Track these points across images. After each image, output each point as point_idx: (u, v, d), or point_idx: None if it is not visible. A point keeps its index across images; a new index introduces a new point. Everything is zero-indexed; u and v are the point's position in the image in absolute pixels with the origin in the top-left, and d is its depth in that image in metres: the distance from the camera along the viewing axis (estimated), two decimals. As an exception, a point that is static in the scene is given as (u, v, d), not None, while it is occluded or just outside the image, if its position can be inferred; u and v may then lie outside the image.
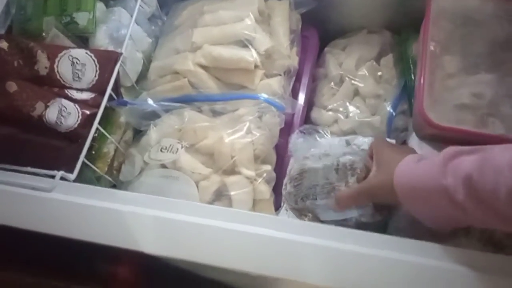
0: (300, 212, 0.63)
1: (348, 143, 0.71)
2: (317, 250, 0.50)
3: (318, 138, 0.70)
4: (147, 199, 0.55)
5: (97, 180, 0.70)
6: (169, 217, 0.53)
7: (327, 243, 0.50)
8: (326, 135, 0.67)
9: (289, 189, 0.63)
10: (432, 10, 0.68)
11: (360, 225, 0.59)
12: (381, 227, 0.61)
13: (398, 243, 0.50)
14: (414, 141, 0.69)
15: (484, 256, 0.48)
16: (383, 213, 0.60)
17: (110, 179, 0.72)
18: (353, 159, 0.61)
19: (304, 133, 0.71)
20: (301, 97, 0.79)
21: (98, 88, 0.68)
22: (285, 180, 0.66)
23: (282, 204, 0.69)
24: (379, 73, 0.77)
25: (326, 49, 0.85)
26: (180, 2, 0.84)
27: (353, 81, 0.77)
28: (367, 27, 0.84)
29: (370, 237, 0.51)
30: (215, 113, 0.73)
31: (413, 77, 0.75)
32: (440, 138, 0.65)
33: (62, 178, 0.59)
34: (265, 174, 0.67)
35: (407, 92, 0.75)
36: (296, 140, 0.69)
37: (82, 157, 0.62)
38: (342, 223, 0.60)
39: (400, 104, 0.74)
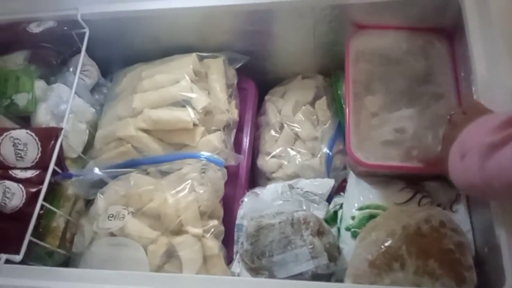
0: (257, 272, 0.64)
1: (291, 187, 0.74)
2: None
3: (259, 192, 0.73)
4: (91, 274, 0.56)
5: (49, 256, 0.71)
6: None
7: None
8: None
9: (246, 247, 0.65)
10: (350, 53, 0.73)
11: (316, 277, 0.62)
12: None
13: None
14: (352, 178, 0.72)
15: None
16: (336, 263, 0.63)
17: (64, 252, 0.72)
18: (306, 213, 0.65)
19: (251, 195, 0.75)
20: (245, 146, 0.81)
21: (42, 165, 0.69)
22: (242, 239, 0.68)
23: (234, 257, 0.70)
24: (314, 116, 0.81)
25: (266, 97, 0.89)
26: (121, 69, 0.87)
27: (291, 127, 0.81)
28: (301, 73, 0.89)
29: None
30: (162, 174, 0.75)
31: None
32: (373, 174, 0.69)
33: (8, 261, 0.60)
34: (212, 229, 0.68)
35: (342, 132, 0.79)
36: (245, 204, 0.72)
37: (28, 237, 0.63)
38: (299, 277, 0.62)
39: (336, 144, 0.78)
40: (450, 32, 0.72)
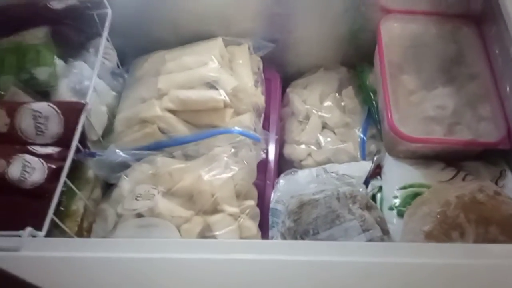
0: None
1: (326, 171, 0.71)
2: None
3: (295, 174, 0.70)
4: (125, 243, 0.51)
5: (66, 242, 0.64)
6: (148, 257, 0.48)
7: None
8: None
9: (288, 224, 0.61)
10: (383, 38, 0.73)
11: None
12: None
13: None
14: (389, 161, 0.70)
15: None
16: (389, 237, 0.60)
17: (81, 240, 0.66)
18: (351, 188, 0.62)
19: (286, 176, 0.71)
20: (273, 136, 0.79)
21: (64, 142, 0.64)
22: (283, 217, 0.64)
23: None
24: (343, 103, 0.80)
25: (288, 89, 0.87)
26: (140, 56, 0.84)
27: (319, 114, 0.79)
28: (323, 65, 0.88)
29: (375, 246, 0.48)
30: (188, 158, 0.71)
31: (375, 104, 0.78)
32: (411, 155, 0.67)
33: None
34: (248, 210, 0.64)
35: (372, 119, 0.78)
36: (280, 186, 0.69)
37: (51, 213, 0.57)
38: None
39: (369, 129, 0.77)
40: (477, 18, 0.74)
